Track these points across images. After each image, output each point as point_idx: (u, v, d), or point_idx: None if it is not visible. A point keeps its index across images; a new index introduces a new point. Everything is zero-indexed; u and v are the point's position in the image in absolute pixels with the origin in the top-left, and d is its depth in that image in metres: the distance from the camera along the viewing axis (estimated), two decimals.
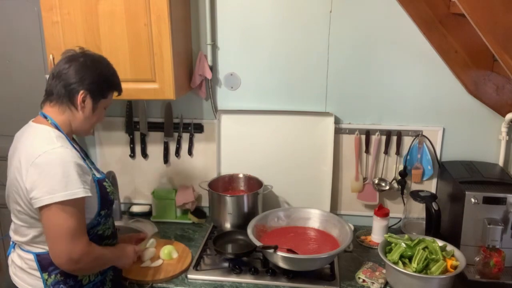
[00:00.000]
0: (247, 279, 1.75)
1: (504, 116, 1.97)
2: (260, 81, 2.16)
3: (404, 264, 1.65)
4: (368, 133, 2.13)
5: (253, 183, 2.16)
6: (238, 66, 2.16)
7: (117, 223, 2.19)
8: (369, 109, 2.12)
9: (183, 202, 2.22)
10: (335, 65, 2.08)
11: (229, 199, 2.03)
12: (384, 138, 2.12)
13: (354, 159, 2.16)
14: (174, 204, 2.24)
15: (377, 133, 2.12)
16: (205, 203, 2.31)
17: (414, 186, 2.15)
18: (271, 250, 1.69)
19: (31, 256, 1.48)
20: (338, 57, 2.07)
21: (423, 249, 1.67)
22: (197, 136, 2.27)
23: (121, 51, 1.85)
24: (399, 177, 2.14)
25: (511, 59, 1.34)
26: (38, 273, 1.47)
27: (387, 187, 2.15)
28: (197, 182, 2.25)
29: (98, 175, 1.54)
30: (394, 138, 2.12)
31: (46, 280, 1.47)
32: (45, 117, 1.49)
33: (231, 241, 1.95)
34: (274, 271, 1.77)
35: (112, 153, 2.34)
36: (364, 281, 1.74)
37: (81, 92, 1.46)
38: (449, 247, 1.72)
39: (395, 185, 2.15)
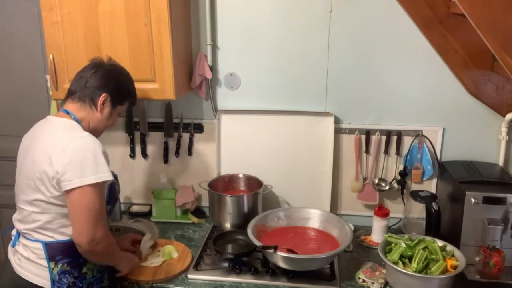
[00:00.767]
0: (247, 279, 1.75)
1: (504, 116, 1.97)
2: (260, 81, 2.16)
3: (404, 264, 1.65)
4: (368, 133, 2.13)
5: (253, 183, 2.16)
6: (238, 66, 2.16)
7: (117, 223, 2.21)
8: (369, 109, 2.12)
9: (183, 202, 2.22)
10: (335, 65, 2.09)
11: (229, 199, 2.03)
12: (384, 138, 2.12)
13: (354, 159, 2.16)
14: (174, 204, 2.24)
15: (377, 133, 2.12)
16: (205, 203, 2.31)
17: (414, 186, 2.15)
18: (271, 250, 1.69)
19: (39, 245, 1.53)
20: (338, 57, 2.07)
21: (423, 249, 1.67)
22: (197, 136, 2.27)
23: (121, 51, 1.85)
24: (399, 177, 2.14)
25: (511, 59, 1.34)
26: (44, 262, 1.52)
27: (387, 187, 2.15)
28: (197, 182, 2.25)
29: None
30: (394, 138, 2.12)
31: (53, 269, 1.52)
32: (68, 113, 1.59)
33: (231, 241, 1.95)
34: (274, 271, 1.77)
35: (112, 153, 2.32)
36: (364, 281, 1.74)
37: (104, 95, 1.60)
38: (449, 247, 1.72)
39: (395, 185, 2.15)
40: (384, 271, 1.76)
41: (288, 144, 2.17)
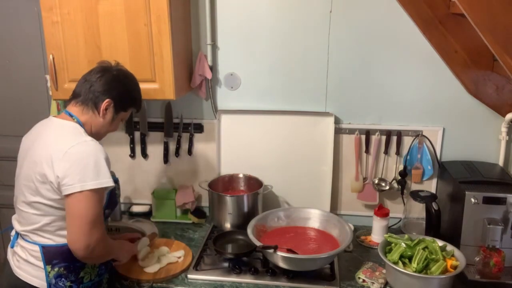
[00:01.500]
0: (247, 279, 1.74)
1: (504, 116, 1.97)
2: (260, 81, 2.16)
3: (404, 264, 1.65)
4: (368, 133, 2.13)
5: (253, 183, 2.16)
6: (238, 66, 2.16)
7: (117, 223, 2.21)
8: (369, 109, 2.12)
9: (183, 202, 2.22)
10: (335, 65, 2.09)
11: (229, 199, 2.03)
12: (384, 138, 2.12)
13: (354, 159, 2.16)
14: (174, 204, 2.24)
15: (377, 133, 2.12)
16: (205, 203, 2.31)
17: (414, 186, 2.15)
18: (271, 250, 1.69)
19: (36, 248, 1.52)
20: (338, 57, 2.07)
21: (423, 249, 1.67)
22: (197, 136, 2.27)
23: (121, 51, 1.85)
24: (399, 177, 2.14)
25: (511, 59, 1.34)
26: (41, 264, 1.52)
27: (387, 187, 2.15)
28: (197, 182, 2.25)
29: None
30: (394, 138, 2.12)
31: (49, 272, 1.52)
32: (71, 115, 1.58)
33: (231, 241, 1.95)
34: (274, 271, 1.77)
35: (112, 153, 2.33)
36: (364, 281, 1.74)
37: (107, 100, 1.58)
38: (449, 247, 1.72)
39: (395, 185, 2.15)
40: (384, 271, 1.76)
41: (288, 144, 2.17)
